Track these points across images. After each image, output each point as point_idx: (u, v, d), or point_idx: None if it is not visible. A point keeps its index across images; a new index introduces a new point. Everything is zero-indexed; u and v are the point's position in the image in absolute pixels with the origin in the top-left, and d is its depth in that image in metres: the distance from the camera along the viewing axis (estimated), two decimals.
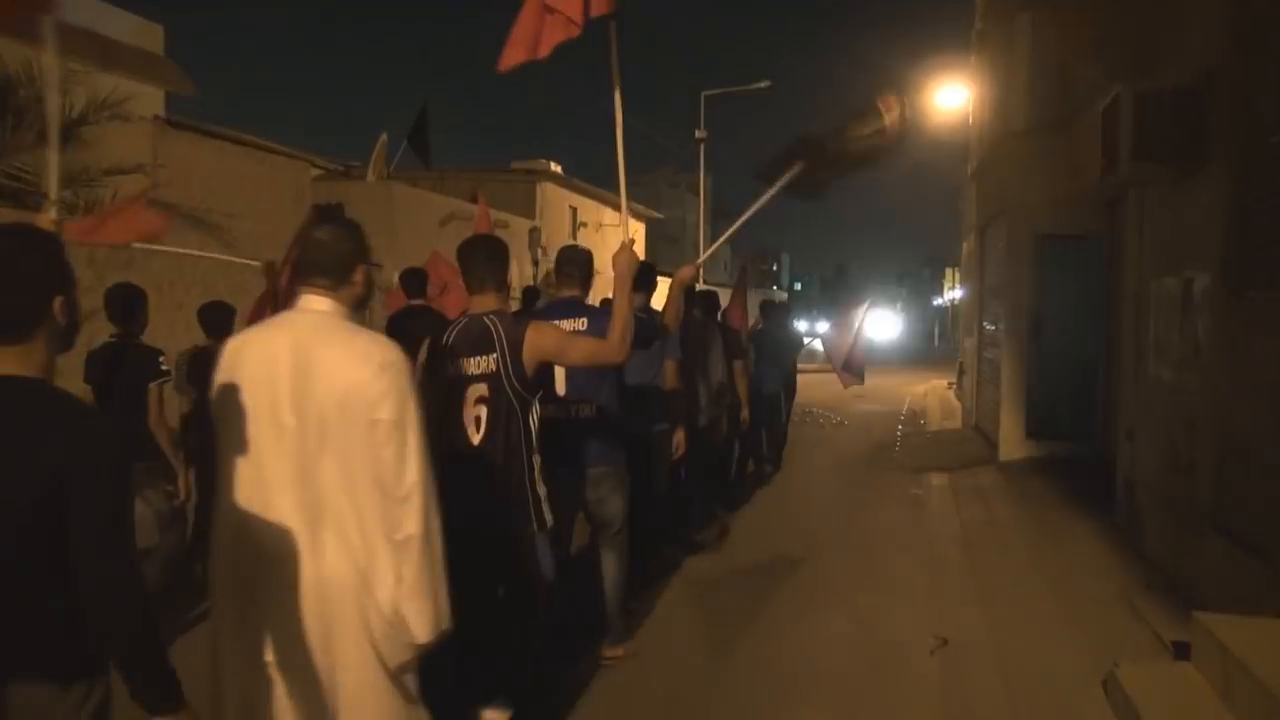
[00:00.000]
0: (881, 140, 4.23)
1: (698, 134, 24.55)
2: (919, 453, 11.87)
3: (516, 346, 3.30)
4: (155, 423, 4.80)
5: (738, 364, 7.82)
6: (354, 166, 20.35)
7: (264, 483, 2.36)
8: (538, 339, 3.33)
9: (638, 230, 31.44)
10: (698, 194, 32.19)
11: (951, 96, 16.71)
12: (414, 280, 7.05)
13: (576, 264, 4.47)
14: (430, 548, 2.39)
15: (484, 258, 3.54)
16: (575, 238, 25.88)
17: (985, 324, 12.76)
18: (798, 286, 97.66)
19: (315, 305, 2.48)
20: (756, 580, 6.11)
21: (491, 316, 3.40)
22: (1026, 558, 6.48)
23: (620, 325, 3.31)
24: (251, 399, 2.38)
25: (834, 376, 9.81)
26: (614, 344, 3.32)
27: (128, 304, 4.94)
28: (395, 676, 2.42)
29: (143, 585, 1.85)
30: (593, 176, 28.31)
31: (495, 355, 3.30)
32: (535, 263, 21.69)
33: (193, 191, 10.36)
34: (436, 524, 2.40)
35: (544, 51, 3.38)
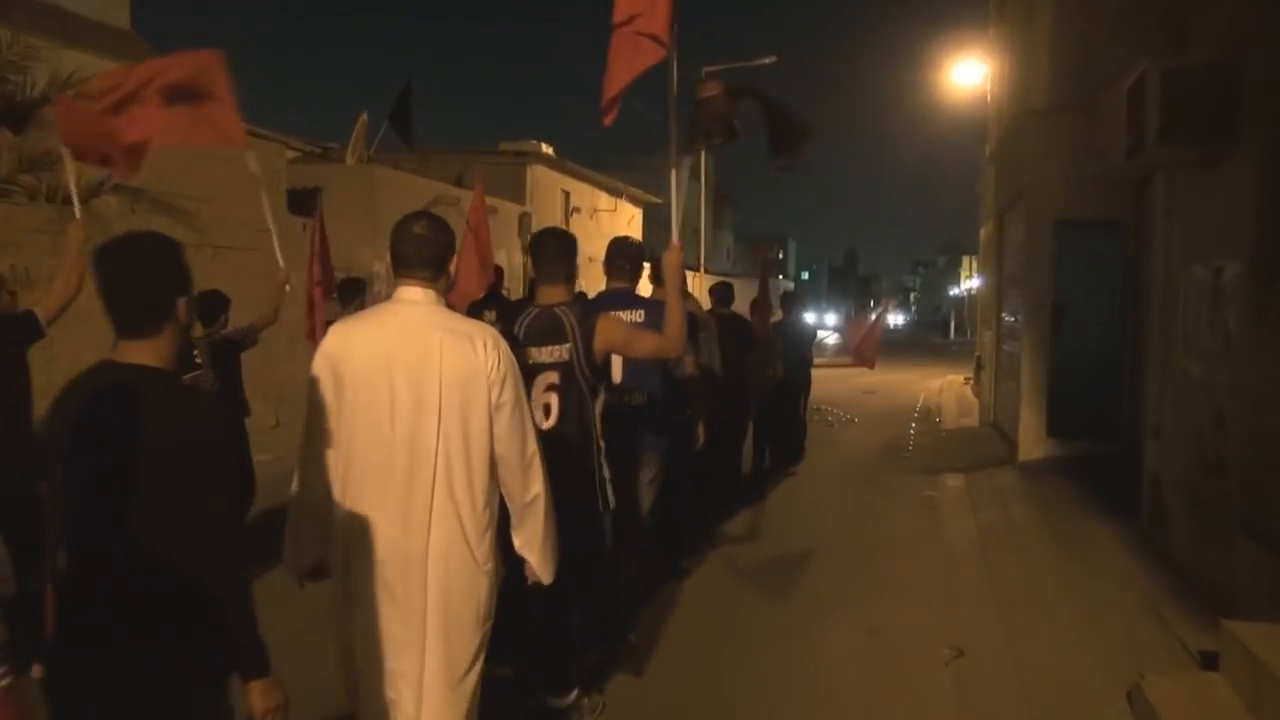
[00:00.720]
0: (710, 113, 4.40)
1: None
2: (933, 452, 11.91)
3: (589, 337, 3.66)
4: None
5: (750, 357, 8.02)
6: (332, 148, 20.31)
7: (378, 461, 2.72)
8: (609, 331, 3.71)
9: (636, 215, 31.45)
10: (698, 178, 32.18)
11: (969, 73, 16.72)
12: None
13: (628, 256, 4.80)
14: (549, 504, 2.96)
15: (555, 252, 3.89)
16: (567, 224, 25.86)
17: (1004, 315, 12.78)
18: (805, 276, 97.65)
19: (414, 296, 2.85)
20: (763, 587, 6.14)
21: (563, 308, 3.74)
22: (1046, 563, 6.51)
23: (677, 321, 3.68)
24: (366, 383, 2.74)
25: (843, 372, 9.90)
26: (674, 339, 3.71)
27: None
28: (485, 635, 2.87)
29: (241, 555, 2.19)
30: (587, 159, 28.23)
31: (568, 345, 3.65)
32: (525, 250, 21.68)
33: (159, 175, 10.30)
34: (548, 484, 2.96)
35: (630, 80, 3.71)
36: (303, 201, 13.71)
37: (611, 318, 3.83)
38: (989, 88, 15.80)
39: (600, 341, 3.67)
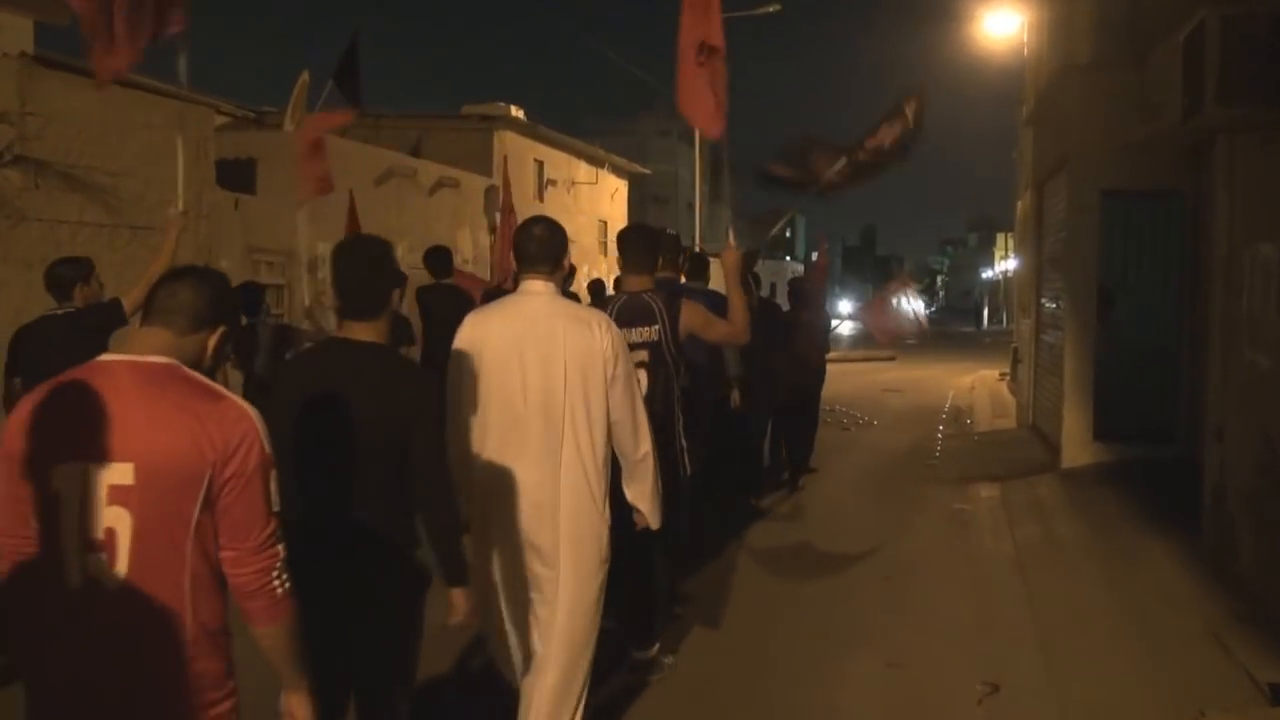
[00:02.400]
0: (899, 138, 5.62)
1: None
2: (964, 459, 11.95)
3: (675, 319, 4.72)
4: None
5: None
6: (268, 113, 20.24)
7: (515, 426, 3.69)
8: (690, 315, 4.77)
9: (620, 188, 31.45)
10: (692, 144, 32.18)
11: (1003, 23, 16.75)
12: (439, 259, 8.70)
13: (670, 248, 6.09)
14: (655, 461, 4.04)
15: (641, 246, 5.01)
16: (541, 198, 25.84)
17: (1044, 300, 12.83)
18: (815, 256, 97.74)
19: (538, 288, 3.83)
20: (772, 613, 6.17)
21: (650, 294, 4.81)
22: (1093, 585, 6.56)
23: (740, 312, 4.81)
24: (501, 363, 3.71)
25: (857, 368, 9.96)
26: (740, 327, 4.86)
27: None
28: (604, 577, 3.87)
29: (453, 487, 3.25)
30: (562, 124, 28.14)
31: (657, 326, 4.69)
32: (493, 229, 21.61)
33: (69, 145, 10.27)
34: (655, 445, 4.04)
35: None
36: (234, 174, 13.62)
37: (693, 304, 4.89)
38: (1026, 39, 15.84)
39: (684, 324, 4.72)
